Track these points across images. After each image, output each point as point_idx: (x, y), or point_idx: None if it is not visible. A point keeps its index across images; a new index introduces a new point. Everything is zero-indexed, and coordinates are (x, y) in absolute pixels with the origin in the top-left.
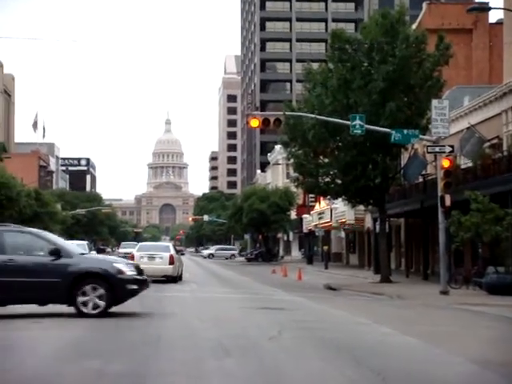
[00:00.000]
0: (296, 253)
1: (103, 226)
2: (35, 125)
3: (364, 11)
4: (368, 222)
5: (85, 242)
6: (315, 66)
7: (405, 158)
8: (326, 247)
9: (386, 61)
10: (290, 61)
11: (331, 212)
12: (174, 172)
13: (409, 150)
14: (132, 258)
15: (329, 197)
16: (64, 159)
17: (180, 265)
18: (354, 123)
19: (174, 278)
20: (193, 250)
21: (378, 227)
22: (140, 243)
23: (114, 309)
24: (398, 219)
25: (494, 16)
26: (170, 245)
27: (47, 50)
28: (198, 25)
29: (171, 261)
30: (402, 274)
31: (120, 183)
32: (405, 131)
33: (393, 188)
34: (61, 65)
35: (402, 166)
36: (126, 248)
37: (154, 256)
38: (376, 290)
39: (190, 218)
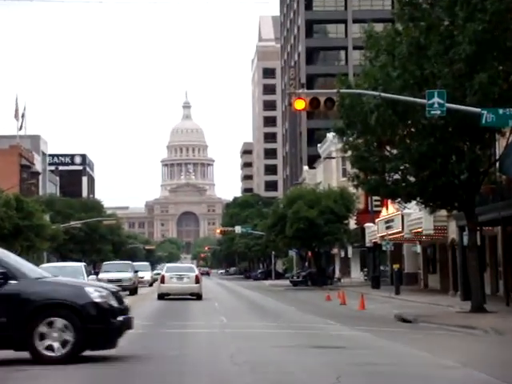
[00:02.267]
0: (357, 273)
1: (105, 243)
2: (18, 114)
3: None
4: (452, 232)
5: (81, 264)
6: (378, 27)
7: (501, 145)
8: (396, 266)
9: (474, 18)
10: (344, 22)
11: (402, 219)
12: (196, 170)
13: (506, 135)
14: (162, 278)
15: (399, 199)
16: (53, 156)
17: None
18: (431, 102)
19: (200, 296)
20: (222, 270)
21: (465, 239)
22: (167, 264)
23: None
24: (494, 228)
25: None
26: (194, 266)
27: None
28: None
29: (197, 280)
30: (499, 300)
31: (126, 186)
32: (500, 110)
33: (485, 186)
34: (53, 41)
35: (498, 156)
36: (110, 272)
37: (182, 276)
38: (465, 323)
39: (218, 230)
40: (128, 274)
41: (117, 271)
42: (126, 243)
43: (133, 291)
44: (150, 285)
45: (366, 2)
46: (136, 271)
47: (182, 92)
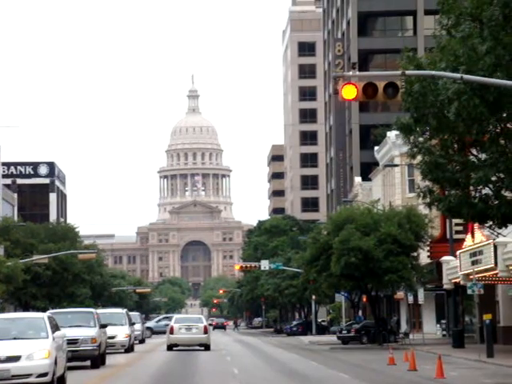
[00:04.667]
0: (431, 327)
1: (82, 285)
2: None
3: None
4: None
5: (43, 315)
6: None
7: None
8: (488, 316)
9: None
10: None
11: (495, 251)
12: (207, 184)
13: None
14: (172, 329)
15: (490, 223)
16: (9, 165)
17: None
18: None
19: (208, 346)
20: (243, 322)
21: None
22: (175, 316)
23: None
24: None
25: None
26: (202, 317)
27: None
28: None
29: (205, 331)
30: None
31: (111, 207)
32: None
33: None
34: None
35: None
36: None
37: (191, 327)
38: None
39: (237, 267)
40: (89, 331)
41: (71, 326)
42: (111, 285)
43: (96, 361)
44: (128, 350)
45: None
46: (103, 326)
47: (187, 76)
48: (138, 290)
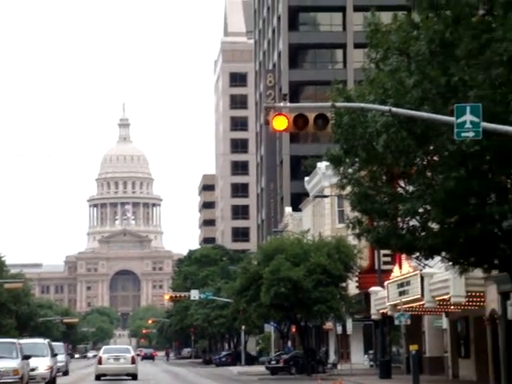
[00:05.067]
0: (359, 357)
1: (7, 315)
2: None
3: None
4: (492, 301)
5: None
6: (387, 17)
7: None
8: (414, 347)
9: None
10: (342, 9)
11: (422, 282)
12: (137, 213)
13: None
14: (100, 360)
15: (417, 255)
16: None
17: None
18: (461, 120)
19: (136, 376)
20: (172, 352)
21: (511, 310)
22: (104, 346)
23: None
24: None
25: None
26: (130, 347)
27: None
28: None
29: (133, 361)
30: None
31: (38, 235)
32: None
33: None
34: None
35: None
36: None
37: (118, 357)
38: None
39: (167, 297)
40: (11, 363)
41: None
42: (37, 315)
43: None
44: (49, 383)
45: None
46: (26, 357)
47: (118, 105)
48: (65, 320)
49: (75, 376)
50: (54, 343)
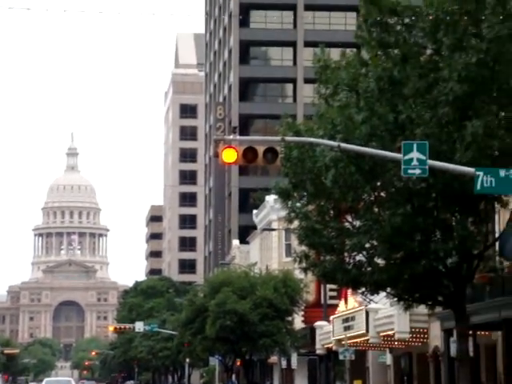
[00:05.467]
0: None
1: None
2: None
3: None
4: (435, 338)
5: None
6: (336, 53)
7: (502, 219)
8: (358, 382)
9: (466, 45)
10: (293, 44)
11: (367, 318)
12: (83, 243)
13: (510, 205)
14: None
15: (363, 290)
16: None
17: None
18: (408, 157)
19: None
20: None
21: (453, 347)
22: (46, 379)
23: None
24: (492, 333)
25: None
26: (72, 379)
27: None
28: None
29: None
30: None
31: None
32: (501, 172)
33: (480, 275)
34: None
35: (498, 233)
36: None
37: None
38: None
39: (111, 328)
40: None
41: None
42: None
43: None
44: None
45: (322, 19)
46: None
47: (66, 134)
48: (5, 351)
49: None
50: None
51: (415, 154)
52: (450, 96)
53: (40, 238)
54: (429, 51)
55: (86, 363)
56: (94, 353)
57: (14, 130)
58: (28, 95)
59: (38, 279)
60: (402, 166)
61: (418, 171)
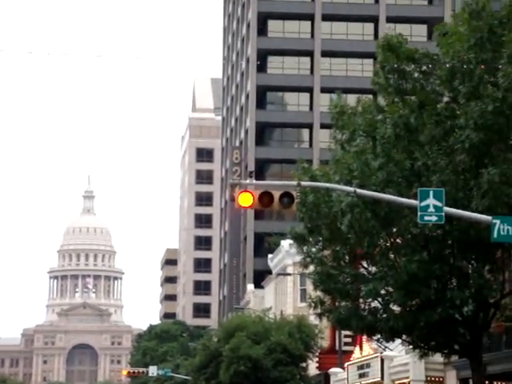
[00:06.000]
0: None
1: None
2: None
3: (445, 5)
4: None
5: None
6: (352, 99)
7: None
8: None
9: (482, 94)
10: (309, 90)
11: (382, 365)
12: (98, 286)
13: None
14: None
15: (378, 337)
16: None
17: None
18: (424, 204)
19: None
20: None
21: None
22: None
23: None
24: (509, 383)
25: None
26: None
27: None
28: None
29: None
30: None
31: None
32: None
33: (497, 324)
34: None
35: None
36: None
37: None
38: None
39: (125, 372)
40: None
41: None
42: None
43: None
44: None
45: (339, 65)
46: None
47: (83, 177)
48: None
49: None
50: None
51: (432, 201)
52: (467, 143)
53: (55, 281)
54: (445, 99)
55: None
56: None
57: (30, 173)
58: (46, 138)
59: (52, 322)
60: (419, 213)
61: (434, 218)
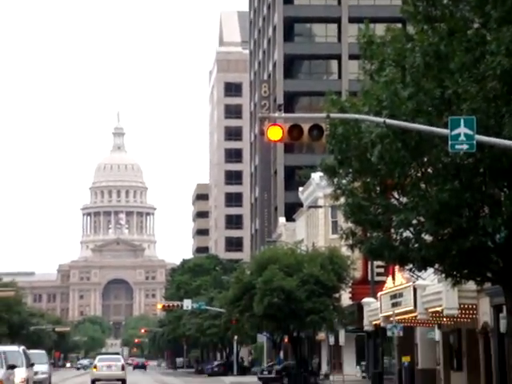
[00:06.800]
0: (352, 368)
1: None
2: None
3: None
4: (484, 314)
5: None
6: (381, 29)
7: None
8: (406, 359)
9: None
10: (337, 21)
11: (415, 294)
12: (131, 222)
13: None
14: (95, 367)
15: (410, 266)
16: None
17: None
18: (455, 132)
19: (124, 381)
20: (164, 362)
21: (503, 323)
22: (98, 356)
23: None
24: None
25: None
26: (120, 356)
27: None
28: None
29: (123, 368)
30: None
31: (31, 243)
32: None
33: None
34: None
35: None
36: None
37: (111, 365)
38: None
39: (159, 306)
40: None
41: None
42: (29, 324)
43: None
44: None
45: None
46: (12, 366)
47: (113, 114)
48: (56, 329)
49: None
50: (35, 351)
51: (462, 130)
52: (498, 70)
53: (88, 218)
54: (476, 25)
55: (136, 341)
56: (143, 330)
57: (62, 111)
58: (76, 76)
59: (86, 258)
60: (450, 142)
61: (465, 146)
